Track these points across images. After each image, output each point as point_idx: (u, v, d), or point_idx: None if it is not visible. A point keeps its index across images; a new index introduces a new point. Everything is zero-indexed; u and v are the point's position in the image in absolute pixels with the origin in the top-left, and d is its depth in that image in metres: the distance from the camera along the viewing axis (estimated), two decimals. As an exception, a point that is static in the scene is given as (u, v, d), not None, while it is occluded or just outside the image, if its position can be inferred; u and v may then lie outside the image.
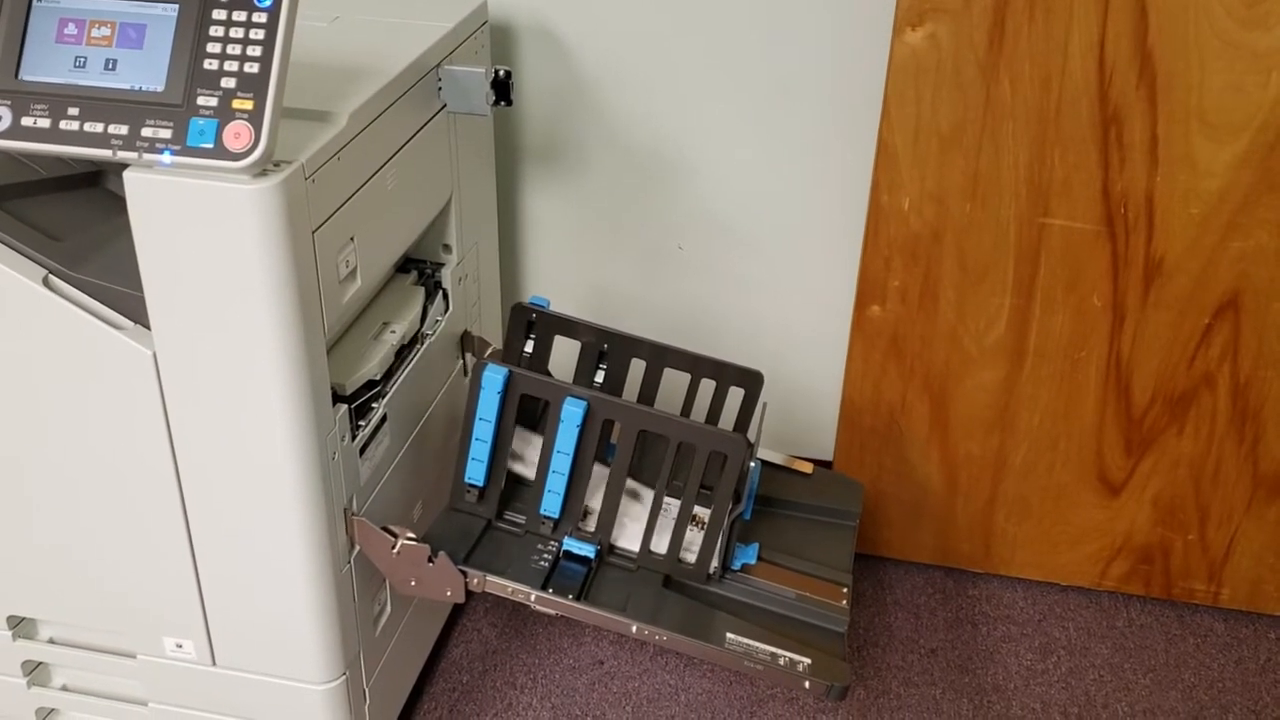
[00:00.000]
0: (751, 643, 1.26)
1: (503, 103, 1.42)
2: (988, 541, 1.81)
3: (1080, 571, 1.80)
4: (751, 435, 1.35)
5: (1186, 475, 1.68)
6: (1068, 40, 1.42)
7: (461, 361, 1.54)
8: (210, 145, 0.99)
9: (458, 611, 1.72)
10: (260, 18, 0.99)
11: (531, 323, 1.43)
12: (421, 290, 1.44)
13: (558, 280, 1.86)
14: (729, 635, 1.27)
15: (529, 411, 1.42)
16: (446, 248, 1.49)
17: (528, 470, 1.36)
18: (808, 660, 1.25)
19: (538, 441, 1.32)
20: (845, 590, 1.38)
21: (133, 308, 1.10)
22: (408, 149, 1.29)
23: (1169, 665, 1.68)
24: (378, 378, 1.29)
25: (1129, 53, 1.41)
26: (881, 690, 1.63)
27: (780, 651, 1.26)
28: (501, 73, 1.41)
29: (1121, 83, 1.43)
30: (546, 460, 1.29)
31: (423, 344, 1.40)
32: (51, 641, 1.36)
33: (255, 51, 0.99)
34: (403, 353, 1.36)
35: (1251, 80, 1.41)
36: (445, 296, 1.47)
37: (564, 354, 1.48)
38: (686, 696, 1.61)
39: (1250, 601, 1.77)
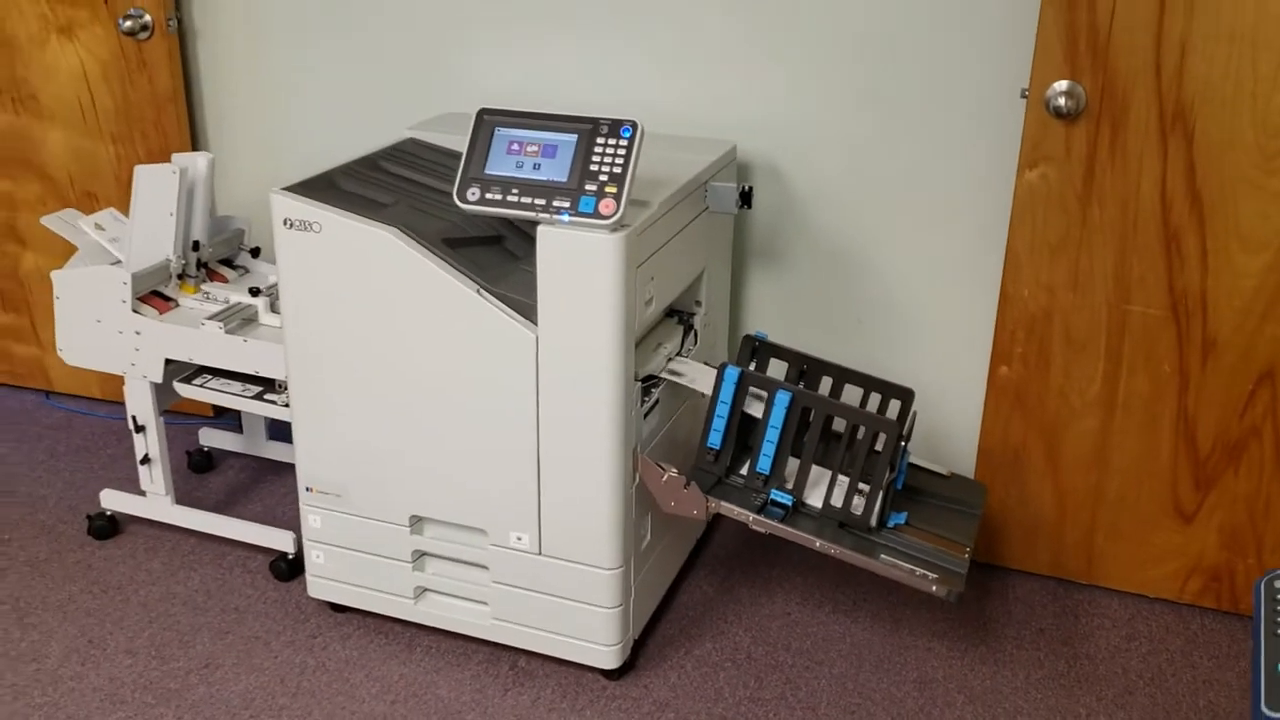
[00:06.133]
0: (898, 561, 1.87)
1: (745, 207, 2.14)
2: (1089, 558, 2.35)
3: (1164, 586, 2.31)
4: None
5: (1244, 509, 2.20)
6: (1140, 180, 2.05)
7: (703, 384, 2.23)
8: (590, 212, 1.74)
9: (687, 568, 2.37)
10: (623, 144, 1.75)
11: (755, 349, 2.12)
12: (681, 329, 2.15)
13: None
14: (882, 556, 1.88)
15: (744, 429, 2.09)
16: (698, 302, 2.20)
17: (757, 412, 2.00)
18: (935, 575, 1.85)
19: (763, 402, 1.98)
20: (968, 550, 1.97)
21: (526, 311, 1.84)
22: (683, 232, 2.02)
23: (1231, 656, 2.17)
24: (655, 374, 2.00)
25: (1183, 190, 2.03)
26: (998, 649, 2.18)
27: (916, 569, 1.86)
28: (746, 187, 2.14)
29: (1179, 210, 2.05)
30: (761, 435, 1.95)
31: (681, 363, 2.11)
32: (432, 536, 2.08)
33: (620, 162, 1.74)
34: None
35: (1274, 210, 2.00)
36: (695, 335, 2.18)
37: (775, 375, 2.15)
38: (851, 639, 2.20)
39: (1303, 619, 2.24)
